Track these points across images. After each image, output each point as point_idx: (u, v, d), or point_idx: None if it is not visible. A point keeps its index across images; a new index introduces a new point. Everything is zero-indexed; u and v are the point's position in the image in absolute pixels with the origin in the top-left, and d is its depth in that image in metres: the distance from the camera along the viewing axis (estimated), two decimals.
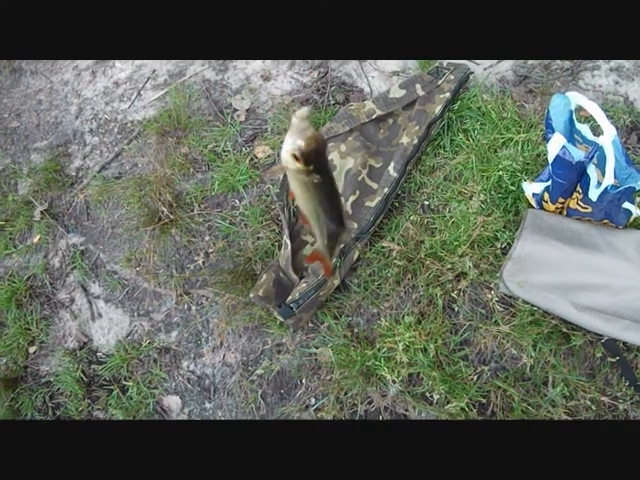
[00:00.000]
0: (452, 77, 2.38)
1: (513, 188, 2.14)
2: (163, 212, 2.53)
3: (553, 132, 1.83)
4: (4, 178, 3.08)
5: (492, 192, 2.17)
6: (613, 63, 2.41)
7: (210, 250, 2.46)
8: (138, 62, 3.19)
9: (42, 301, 2.68)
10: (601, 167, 1.82)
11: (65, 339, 2.57)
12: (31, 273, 2.74)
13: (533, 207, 2.11)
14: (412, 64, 2.63)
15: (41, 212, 2.85)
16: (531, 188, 2.08)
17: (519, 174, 2.16)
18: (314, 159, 1.35)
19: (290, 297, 2.06)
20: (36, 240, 2.82)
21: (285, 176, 2.35)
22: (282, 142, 1.34)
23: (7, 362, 2.59)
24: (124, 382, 2.38)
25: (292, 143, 1.31)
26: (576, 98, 1.84)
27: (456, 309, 2.06)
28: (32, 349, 2.59)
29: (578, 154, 1.80)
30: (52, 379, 2.51)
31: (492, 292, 2.02)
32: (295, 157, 1.33)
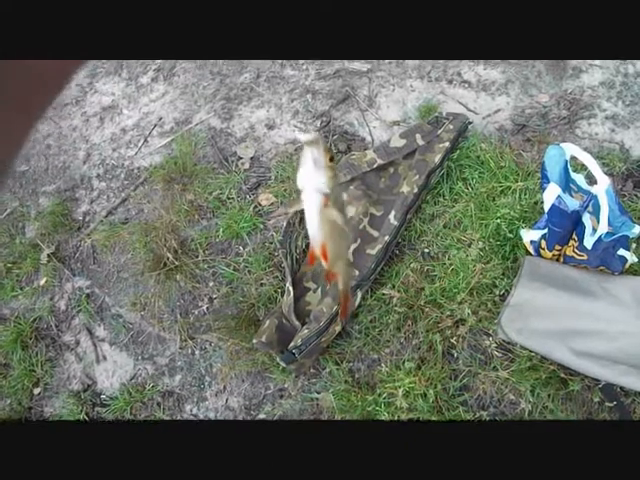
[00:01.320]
0: (451, 127, 2.44)
1: (511, 236, 2.18)
2: (168, 258, 2.57)
3: (549, 182, 1.88)
4: (12, 221, 3.12)
5: (491, 240, 2.22)
6: (609, 111, 2.47)
7: (214, 296, 2.50)
8: (145, 109, 3.26)
9: (47, 343, 2.70)
10: (596, 215, 1.86)
11: (69, 381, 2.59)
12: (37, 315, 2.77)
13: (531, 254, 2.15)
14: (412, 113, 2.70)
15: (48, 255, 2.89)
16: (529, 235, 2.12)
17: (517, 222, 2.20)
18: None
19: (292, 343, 2.09)
20: (42, 283, 2.85)
21: (288, 224, 2.41)
22: (296, 183, 1.29)
23: (11, 403, 2.60)
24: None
25: (319, 182, 1.26)
26: (570, 149, 1.90)
27: (455, 355, 2.10)
28: (36, 390, 2.61)
29: (573, 203, 1.85)
30: (56, 420, 2.53)
31: (491, 338, 2.06)
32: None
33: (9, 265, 2.95)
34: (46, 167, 3.28)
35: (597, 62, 2.60)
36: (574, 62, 2.64)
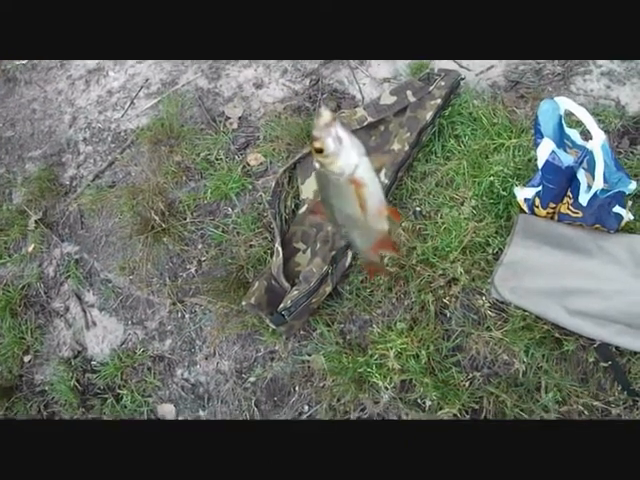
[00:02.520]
0: (443, 83, 2.38)
1: (505, 193, 2.14)
2: (156, 220, 2.54)
3: (542, 137, 1.83)
4: None
5: (484, 198, 2.17)
6: (604, 67, 2.41)
7: (203, 258, 2.47)
8: (131, 71, 3.20)
9: (37, 310, 2.68)
10: (591, 171, 1.80)
11: (59, 348, 2.57)
12: (26, 282, 2.74)
13: (525, 212, 2.10)
14: (403, 70, 2.63)
15: (35, 221, 2.86)
16: (523, 193, 2.08)
17: (511, 179, 2.15)
18: None
19: (282, 305, 2.06)
20: (31, 249, 2.82)
21: (277, 183, 2.37)
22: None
23: (2, 371, 2.59)
24: (118, 390, 2.38)
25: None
26: (565, 103, 1.84)
27: (448, 315, 2.06)
28: (27, 358, 2.59)
29: (567, 159, 1.80)
30: (47, 388, 2.51)
31: (484, 298, 2.02)
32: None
33: None
34: (32, 132, 3.22)
35: None
36: None
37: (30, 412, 2.48)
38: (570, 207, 1.94)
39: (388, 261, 2.13)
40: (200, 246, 2.50)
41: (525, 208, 2.10)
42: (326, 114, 1.15)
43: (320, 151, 1.17)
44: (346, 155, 1.19)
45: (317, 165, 1.23)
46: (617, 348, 1.86)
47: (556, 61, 2.46)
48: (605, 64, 2.42)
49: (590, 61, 2.43)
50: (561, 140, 1.90)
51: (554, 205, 1.99)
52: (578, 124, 1.95)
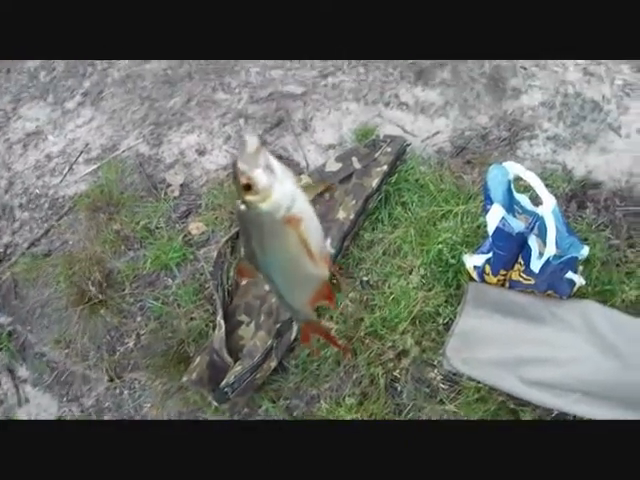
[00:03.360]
0: (389, 149, 2.37)
1: (454, 261, 2.11)
2: (92, 292, 2.44)
3: (492, 203, 1.82)
4: None
5: (432, 266, 2.14)
6: (550, 132, 2.44)
7: (142, 332, 2.38)
8: (71, 135, 3.13)
9: None
10: (542, 237, 1.80)
11: None
12: None
13: (475, 280, 2.08)
14: (349, 137, 2.62)
15: None
16: (472, 261, 2.05)
17: (459, 247, 2.12)
18: None
19: (225, 381, 1.98)
20: None
21: (219, 254, 2.30)
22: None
23: None
24: None
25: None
26: (514, 168, 1.83)
27: (399, 389, 2.00)
28: None
29: (518, 225, 1.79)
30: None
31: (436, 370, 1.98)
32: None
33: None
34: None
35: (537, 82, 2.57)
36: (513, 82, 2.59)
37: None
38: (522, 274, 1.91)
39: (335, 334, 2.07)
40: (139, 319, 2.41)
41: (475, 276, 2.07)
42: (252, 141, 0.98)
43: (248, 188, 0.97)
44: (281, 187, 1.00)
45: (242, 207, 1.01)
46: (574, 417, 1.81)
47: (502, 126, 2.49)
48: (550, 128, 2.45)
49: (535, 125, 2.47)
50: (511, 206, 1.89)
51: (505, 272, 1.97)
52: (526, 189, 1.95)
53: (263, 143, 0.98)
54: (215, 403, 2.04)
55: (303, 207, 1.06)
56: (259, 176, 0.96)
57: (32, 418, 2.40)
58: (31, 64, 3.58)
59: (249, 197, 0.98)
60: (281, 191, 1.00)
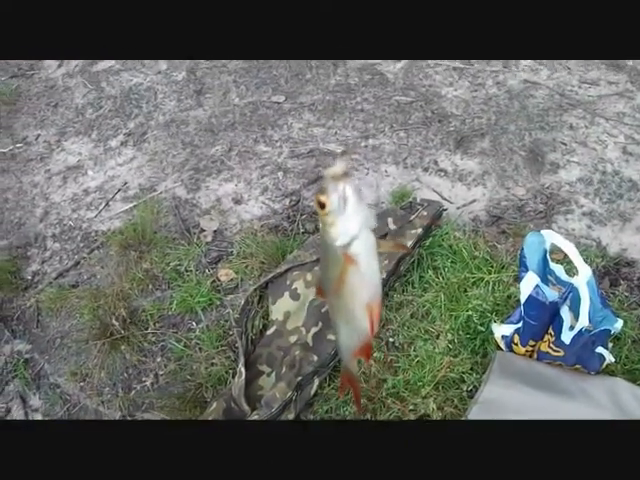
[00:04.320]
0: (425, 213, 2.38)
1: (482, 329, 2.10)
2: (115, 327, 2.43)
3: (527, 271, 1.81)
4: None
5: (460, 332, 2.12)
6: (586, 208, 2.46)
7: (160, 372, 2.36)
8: (111, 172, 3.17)
9: None
10: (575, 310, 1.79)
11: None
12: None
13: (502, 350, 2.06)
14: (386, 198, 2.64)
15: None
16: (500, 330, 2.04)
17: (489, 314, 2.11)
18: None
19: None
20: None
21: (246, 301, 2.30)
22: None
23: None
24: None
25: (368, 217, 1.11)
26: (551, 236, 1.84)
27: None
28: None
29: (551, 294, 1.78)
30: None
31: None
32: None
33: None
34: (0, 221, 3.14)
35: (575, 159, 2.61)
36: (552, 157, 2.62)
37: None
38: (551, 345, 1.89)
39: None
40: (159, 359, 2.39)
41: (502, 345, 2.05)
42: (339, 167, 1.02)
43: (322, 206, 1.04)
44: (346, 221, 1.05)
45: (320, 224, 1.09)
46: None
47: (538, 199, 2.51)
48: (587, 204, 2.47)
49: (572, 200, 2.49)
50: (545, 275, 1.89)
51: (534, 343, 1.95)
52: (561, 262, 1.95)
53: (348, 174, 1.01)
54: None
55: (361, 251, 1.08)
56: (332, 200, 1.02)
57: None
58: (79, 101, 3.67)
59: (321, 215, 1.07)
60: (344, 225, 1.05)
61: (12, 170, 3.38)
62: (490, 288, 2.19)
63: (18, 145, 3.52)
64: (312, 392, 2.10)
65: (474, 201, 2.57)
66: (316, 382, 2.10)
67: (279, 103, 3.23)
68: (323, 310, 2.22)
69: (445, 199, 2.58)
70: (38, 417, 2.43)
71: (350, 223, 1.05)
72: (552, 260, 1.99)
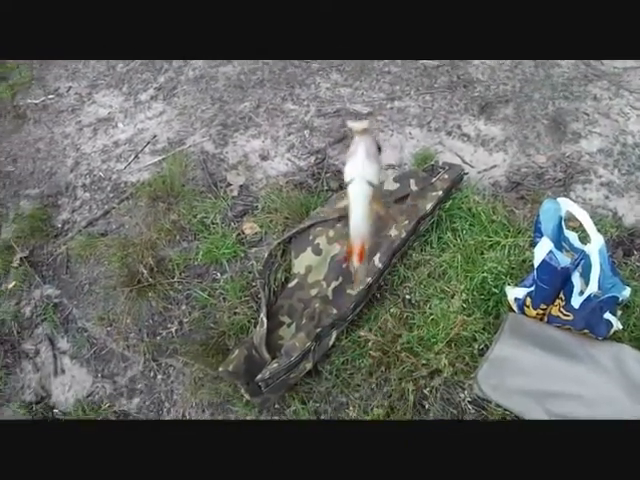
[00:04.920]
0: (446, 176, 2.41)
1: (496, 291, 2.14)
2: (143, 275, 2.51)
3: (541, 236, 1.84)
4: None
5: (474, 293, 2.17)
6: (604, 178, 2.47)
7: (185, 319, 2.43)
8: (140, 125, 3.24)
9: (6, 349, 2.61)
10: (586, 276, 1.82)
11: (23, 391, 2.49)
12: (0, 318, 2.69)
13: (514, 312, 2.10)
14: (408, 160, 2.68)
15: (20, 259, 2.82)
16: (514, 292, 2.08)
17: (503, 277, 2.16)
18: None
19: (260, 376, 2.02)
20: (11, 286, 2.77)
21: (270, 254, 2.36)
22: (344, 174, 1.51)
23: None
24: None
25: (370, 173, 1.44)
26: (567, 204, 1.86)
27: (427, 406, 2.01)
28: None
29: (564, 260, 1.81)
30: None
31: (465, 392, 1.99)
32: None
33: None
34: (32, 170, 3.23)
35: (597, 129, 2.62)
36: (574, 126, 2.65)
37: None
38: (561, 309, 1.93)
39: (372, 345, 2.11)
40: (184, 307, 2.47)
41: (515, 308, 2.09)
42: (362, 124, 1.37)
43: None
44: (351, 166, 1.37)
45: None
46: None
47: (558, 167, 2.53)
48: (605, 175, 2.48)
49: (591, 170, 2.50)
50: (559, 241, 1.91)
51: (545, 306, 1.99)
52: (576, 230, 1.98)
53: (368, 131, 1.26)
54: (247, 396, 2.07)
55: (351, 195, 1.50)
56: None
57: (66, 389, 2.46)
58: None
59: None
60: (349, 168, 1.43)
61: (44, 121, 3.46)
62: (506, 252, 2.23)
63: (50, 96, 3.59)
64: (330, 343, 2.16)
65: (495, 166, 2.60)
66: (334, 334, 2.16)
67: (308, 62, 3.26)
68: (344, 265, 2.28)
69: (467, 163, 2.61)
70: (66, 359, 2.53)
71: (352, 169, 1.36)
72: (568, 227, 2.02)
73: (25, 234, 2.91)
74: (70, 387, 2.47)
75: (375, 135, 1.31)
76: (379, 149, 1.40)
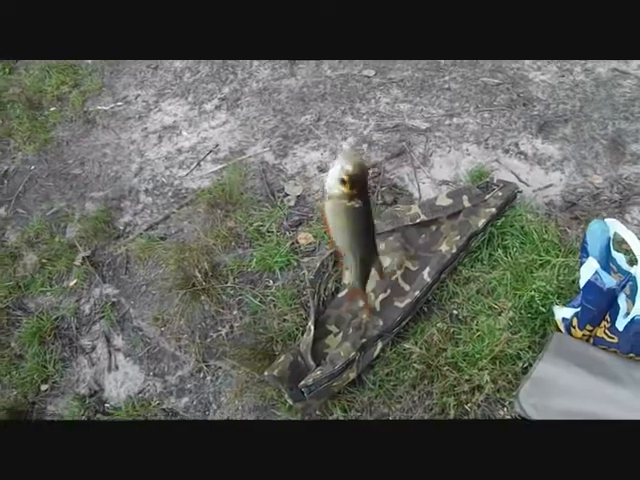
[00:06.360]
0: (500, 194, 2.41)
1: (544, 310, 2.13)
2: (197, 278, 2.57)
3: (588, 257, 1.84)
4: (56, 220, 3.17)
5: (522, 311, 2.17)
6: None
7: (236, 324, 2.48)
8: (204, 134, 3.31)
9: (64, 343, 2.70)
10: (632, 298, 1.80)
11: (78, 384, 2.58)
12: (60, 314, 2.78)
13: (561, 332, 2.09)
14: (464, 176, 2.69)
15: (83, 258, 2.92)
16: (561, 312, 2.07)
17: (551, 297, 2.14)
18: (358, 183, 1.52)
19: (303, 381, 2.05)
20: (72, 284, 2.87)
21: (322, 264, 2.39)
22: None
23: (17, 394, 2.59)
24: None
25: (340, 168, 1.48)
26: (615, 225, 1.85)
27: None
28: (44, 387, 2.60)
29: (610, 281, 1.80)
30: (55, 420, 2.50)
31: (506, 409, 2.00)
32: (342, 181, 1.49)
33: (44, 261, 2.98)
34: (98, 174, 3.33)
35: None
36: (633, 148, 2.62)
37: None
38: (607, 331, 1.92)
39: (416, 358, 2.12)
40: (235, 312, 2.52)
41: (562, 328, 2.08)
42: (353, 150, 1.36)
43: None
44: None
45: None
46: None
47: (615, 188, 2.51)
48: None
49: None
50: (607, 262, 1.90)
51: (591, 328, 1.97)
52: (626, 251, 1.96)
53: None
54: (290, 401, 2.11)
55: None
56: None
57: (118, 385, 2.54)
58: (178, 64, 3.83)
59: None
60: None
61: (112, 127, 3.57)
62: (556, 271, 2.22)
63: (119, 104, 3.70)
64: (375, 354, 2.18)
65: (550, 185, 2.59)
66: (379, 345, 2.18)
67: (369, 77, 3.29)
68: (393, 278, 2.31)
69: (522, 181, 2.61)
70: (120, 356, 2.61)
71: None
72: (620, 249, 2.01)
73: (88, 234, 3.01)
74: (122, 383, 2.54)
75: (356, 161, 1.40)
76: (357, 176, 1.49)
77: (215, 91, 3.55)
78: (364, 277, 1.93)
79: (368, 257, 1.83)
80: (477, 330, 2.16)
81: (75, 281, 2.88)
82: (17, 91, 3.97)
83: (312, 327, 2.21)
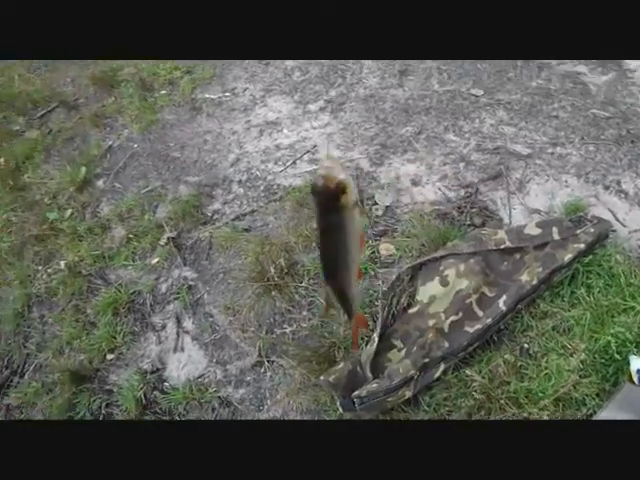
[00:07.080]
0: (592, 230, 2.31)
1: (619, 357, 2.02)
2: (272, 274, 2.58)
3: None
4: (149, 198, 3.25)
5: (596, 355, 2.07)
6: None
7: (303, 324, 2.48)
8: (304, 134, 3.32)
9: (137, 317, 2.77)
10: None
11: (142, 359, 2.63)
12: (138, 289, 2.85)
13: (634, 383, 1.97)
14: (558, 209, 2.59)
15: (168, 239, 2.98)
16: (637, 363, 1.96)
17: (629, 345, 2.04)
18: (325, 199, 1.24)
19: (357, 392, 2.02)
20: (154, 262, 2.93)
21: (398, 277, 2.35)
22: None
23: (84, 359, 2.67)
24: (176, 418, 2.39)
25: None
26: None
27: None
28: (110, 356, 2.67)
29: None
30: (115, 390, 2.57)
31: None
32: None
33: (131, 236, 3.08)
34: (196, 159, 3.39)
35: None
36: None
37: (91, 406, 2.52)
38: None
39: (477, 387, 2.05)
40: (305, 312, 2.52)
41: (635, 379, 1.96)
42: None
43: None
44: None
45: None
46: None
47: None
48: None
49: None
50: None
51: None
52: None
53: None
54: (341, 409, 2.09)
55: None
56: None
57: (180, 366, 2.57)
58: (290, 63, 3.86)
59: None
60: None
61: (216, 116, 3.63)
62: (639, 319, 2.11)
63: (226, 94, 3.76)
64: (435, 376, 2.13)
65: None
66: (441, 368, 2.13)
67: (477, 96, 3.23)
68: (467, 301, 2.24)
69: (618, 220, 2.49)
70: (187, 339, 2.64)
71: None
72: None
73: (177, 216, 3.07)
74: (185, 365, 2.58)
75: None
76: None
77: (322, 93, 3.55)
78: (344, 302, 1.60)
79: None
80: (545, 368, 2.08)
81: (157, 259, 2.94)
82: (132, 71, 4.11)
83: (376, 339, 2.18)
